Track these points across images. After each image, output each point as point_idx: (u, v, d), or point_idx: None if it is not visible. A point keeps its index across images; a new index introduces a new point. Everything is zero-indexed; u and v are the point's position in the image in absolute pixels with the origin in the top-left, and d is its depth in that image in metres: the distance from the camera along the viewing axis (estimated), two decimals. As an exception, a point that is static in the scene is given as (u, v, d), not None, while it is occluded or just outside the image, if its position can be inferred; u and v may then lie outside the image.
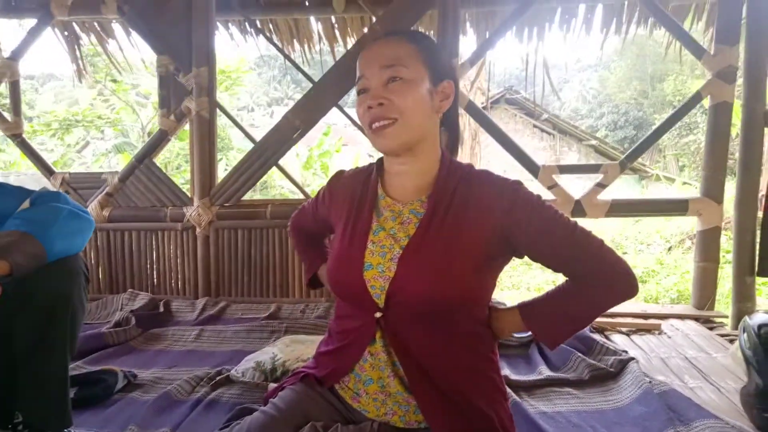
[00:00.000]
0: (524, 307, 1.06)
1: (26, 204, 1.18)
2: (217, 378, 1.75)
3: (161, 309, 2.58)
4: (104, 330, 2.18)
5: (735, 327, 2.36)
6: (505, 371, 1.75)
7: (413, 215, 1.03)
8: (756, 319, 1.47)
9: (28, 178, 7.19)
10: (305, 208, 1.35)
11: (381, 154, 1.10)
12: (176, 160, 10.20)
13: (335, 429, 1.01)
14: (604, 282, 1.00)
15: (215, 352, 2.09)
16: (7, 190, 1.24)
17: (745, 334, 1.51)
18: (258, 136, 2.91)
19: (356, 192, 1.12)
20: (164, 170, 3.02)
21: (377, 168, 1.13)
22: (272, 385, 1.59)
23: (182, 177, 10.39)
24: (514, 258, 1.08)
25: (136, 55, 3.37)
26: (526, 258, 1.06)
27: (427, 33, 3.10)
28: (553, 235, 0.98)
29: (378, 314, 1.00)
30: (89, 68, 3.14)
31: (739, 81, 2.45)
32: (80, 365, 1.87)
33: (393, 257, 1.00)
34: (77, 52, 3.19)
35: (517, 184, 1.01)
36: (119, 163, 9.60)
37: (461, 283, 0.97)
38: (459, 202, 1.01)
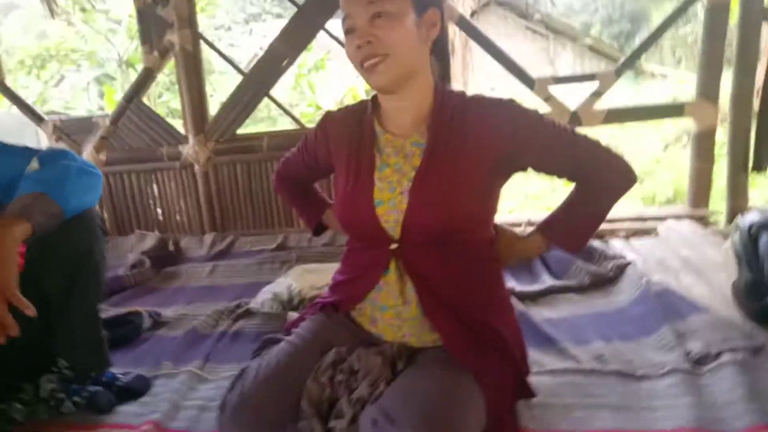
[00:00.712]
0: (545, 229, 1.16)
1: (35, 164, 1.19)
2: (238, 311, 1.84)
3: (171, 248, 2.65)
4: (121, 273, 2.25)
5: (729, 223, 2.43)
6: (511, 283, 1.84)
7: (416, 147, 1.05)
8: (747, 218, 1.54)
9: (8, 117, 6.98)
10: (291, 158, 1.34)
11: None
12: (156, 89, 9.90)
13: (358, 352, 1.08)
14: (609, 180, 1.09)
15: (231, 286, 2.18)
16: (13, 150, 1.25)
17: (737, 233, 1.58)
18: (238, 56, 2.83)
19: (353, 131, 1.13)
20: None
21: (372, 105, 1.13)
22: (291, 314, 1.68)
23: (166, 107, 10.15)
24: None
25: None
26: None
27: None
28: (557, 148, 1.05)
29: (393, 246, 1.05)
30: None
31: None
32: (105, 308, 1.95)
33: (403, 190, 1.03)
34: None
35: (513, 104, 1.04)
36: (103, 96, 9.34)
37: (471, 207, 1.03)
38: (458, 130, 1.03)
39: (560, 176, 1.10)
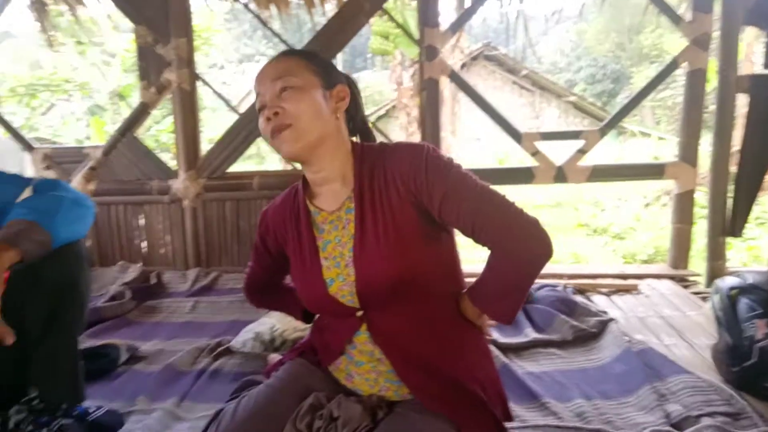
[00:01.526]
0: (471, 290, 1.07)
1: (28, 192, 1.19)
2: (218, 349, 1.81)
3: (154, 281, 2.62)
4: (100, 304, 2.21)
5: (708, 284, 2.48)
6: (494, 335, 1.85)
7: (349, 214, 1.05)
8: (726, 282, 1.58)
9: (-2, 142, 6.94)
10: (250, 272, 1.33)
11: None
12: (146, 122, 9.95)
13: (338, 399, 1.06)
14: (518, 248, 0.98)
15: (212, 323, 2.15)
16: (7, 178, 1.25)
17: (717, 296, 1.62)
18: (229, 94, 2.88)
19: (290, 217, 1.14)
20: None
21: (303, 187, 1.14)
22: (272, 356, 1.66)
23: (155, 140, 10.19)
24: None
25: (103, 13, 3.23)
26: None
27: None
28: (461, 199, 0.97)
29: (359, 313, 1.05)
30: (53, 30, 3.03)
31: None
32: (81, 339, 1.91)
33: (347, 263, 1.03)
34: (46, 21, 3.07)
35: (423, 148, 1.02)
36: (91, 125, 9.35)
37: (416, 257, 1.00)
38: (379, 182, 1.03)
39: (465, 233, 1.01)
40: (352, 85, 1.10)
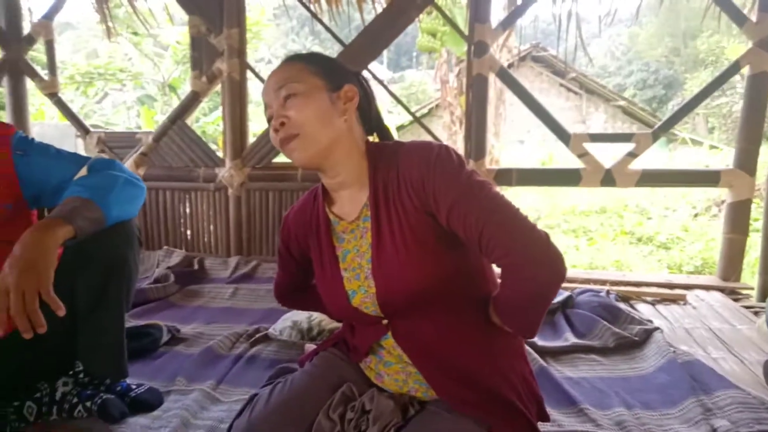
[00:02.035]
0: (494, 301, 1.02)
1: (84, 171, 1.23)
2: (256, 335, 1.84)
3: (196, 266, 2.69)
4: (146, 286, 2.28)
5: (761, 299, 2.37)
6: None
7: (366, 222, 1.03)
8: (784, 295, 1.50)
9: (51, 128, 7.28)
10: (278, 279, 1.32)
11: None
12: (194, 114, 10.25)
13: (371, 393, 1.06)
14: (525, 274, 0.91)
15: (251, 310, 2.19)
16: (65, 155, 1.30)
17: (772, 310, 1.54)
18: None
19: (309, 223, 1.13)
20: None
21: (321, 191, 1.11)
22: (308, 345, 1.68)
23: (201, 131, 10.47)
24: None
25: (159, 4, 3.34)
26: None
27: None
28: (467, 210, 0.90)
29: (384, 321, 1.03)
30: (111, 21, 3.14)
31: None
32: (126, 318, 1.97)
33: (367, 275, 1.01)
34: (106, 11, 3.19)
35: (432, 150, 0.96)
36: (140, 115, 9.69)
37: (437, 262, 0.96)
38: (393, 187, 0.99)
39: (470, 243, 0.94)
40: (362, 83, 1.06)
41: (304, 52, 1.09)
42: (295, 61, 1.03)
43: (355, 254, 1.04)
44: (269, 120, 1.02)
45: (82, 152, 3.19)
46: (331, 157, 1.00)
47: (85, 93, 10.69)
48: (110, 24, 3.23)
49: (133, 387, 1.38)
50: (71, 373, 1.33)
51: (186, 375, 1.54)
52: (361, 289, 1.03)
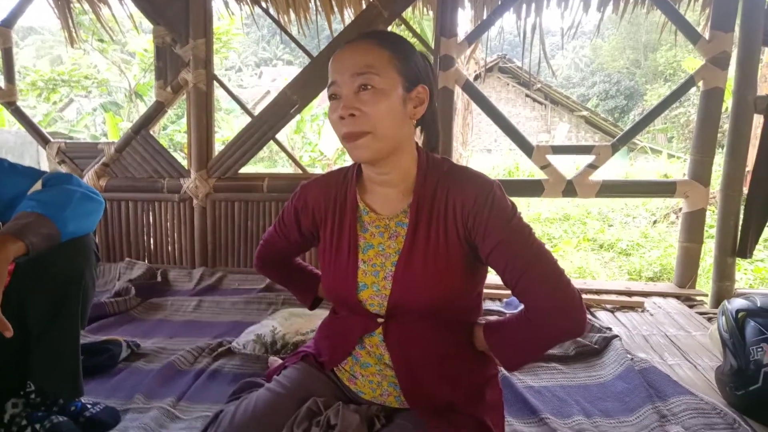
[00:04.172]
0: (488, 328, 1.06)
1: (38, 185, 1.20)
2: (219, 349, 1.81)
3: (159, 278, 2.63)
4: (105, 299, 2.22)
5: (714, 305, 2.46)
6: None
7: (400, 227, 1.03)
8: (734, 304, 1.55)
9: (12, 135, 7.05)
10: (270, 238, 1.28)
11: None
12: (161, 121, 10.08)
13: (337, 407, 1.05)
14: (552, 317, 0.95)
15: (214, 323, 2.15)
16: (21, 170, 1.26)
17: (724, 318, 1.59)
18: (245, 96, 2.91)
19: (334, 202, 1.09)
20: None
21: (355, 175, 1.09)
22: (272, 359, 1.66)
23: (169, 139, 10.30)
24: None
25: (125, 13, 3.28)
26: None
27: (424, 12, 3.07)
28: (511, 251, 0.94)
29: (380, 320, 1.04)
30: (75, 28, 3.06)
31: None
32: (83, 334, 1.91)
33: (386, 275, 1.01)
34: (69, 19, 3.11)
35: (492, 186, 0.97)
36: (105, 122, 9.48)
37: (455, 284, 0.99)
38: (439, 205, 0.99)
39: (505, 283, 0.98)
40: (430, 86, 1.02)
41: (386, 32, 1.02)
42: (380, 45, 0.95)
43: (379, 251, 1.03)
44: (332, 97, 0.97)
45: (44, 160, 3.10)
46: (392, 157, 0.99)
47: (48, 99, 10.40)
48: (73, 30, 3.15)
49: (89, 406, 1.33)
50: (22, 393, 1.27)
51: (145, 392, 1.50)
52: (374, 286, 1.02)
